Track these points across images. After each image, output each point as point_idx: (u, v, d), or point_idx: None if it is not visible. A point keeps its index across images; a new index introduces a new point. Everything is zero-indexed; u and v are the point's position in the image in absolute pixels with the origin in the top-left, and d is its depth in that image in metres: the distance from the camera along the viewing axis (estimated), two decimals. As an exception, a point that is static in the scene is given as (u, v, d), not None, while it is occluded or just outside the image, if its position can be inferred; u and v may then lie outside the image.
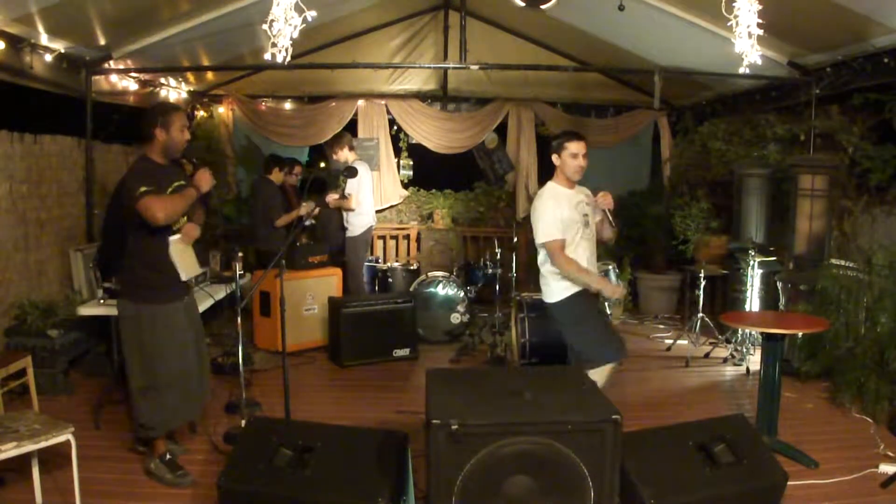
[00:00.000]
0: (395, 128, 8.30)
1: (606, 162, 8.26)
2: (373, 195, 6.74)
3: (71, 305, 4.90)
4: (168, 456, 3.52)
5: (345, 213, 6.46)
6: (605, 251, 7.54)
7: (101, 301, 4.08)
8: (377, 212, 7.48)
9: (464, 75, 7.80)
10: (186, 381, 3.56)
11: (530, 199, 8.23)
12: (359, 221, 6.45)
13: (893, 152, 5.23)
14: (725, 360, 5.78)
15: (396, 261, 7.90)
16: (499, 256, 6.18)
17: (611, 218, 3.87)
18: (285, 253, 3.89)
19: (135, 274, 3.45)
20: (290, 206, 6.38)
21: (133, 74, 6.21)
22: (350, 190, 6.31)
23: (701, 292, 6.03)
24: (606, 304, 6.00)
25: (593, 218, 3.86)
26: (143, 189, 3.25)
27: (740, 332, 5.79)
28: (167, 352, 3.46)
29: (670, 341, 6.32)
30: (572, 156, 3.70)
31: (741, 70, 3.88)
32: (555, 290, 3.75)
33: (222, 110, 8.09)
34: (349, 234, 6.49)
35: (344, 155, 6.46)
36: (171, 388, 3.48)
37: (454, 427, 2.34)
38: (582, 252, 3.73)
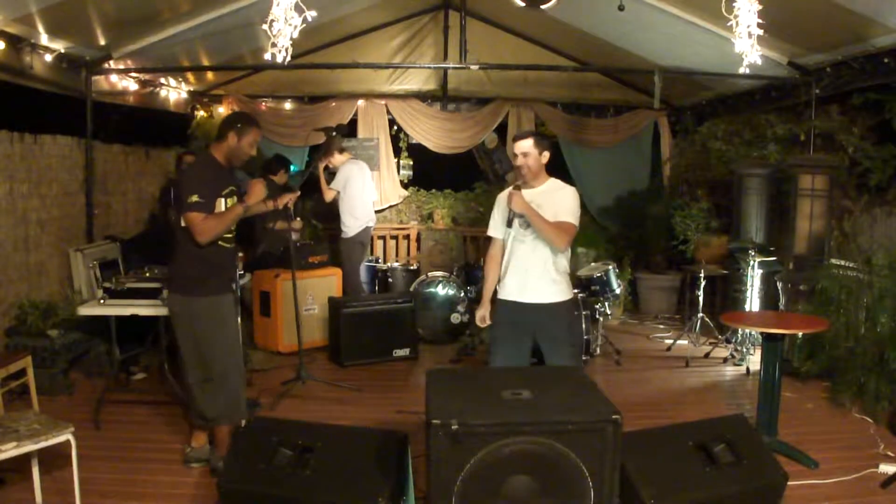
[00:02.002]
0: (395, 128, 8.30)
1: (606, 162, 8.28)
2: (366, 194, 6.70)
3: (71, 305, 4.91)
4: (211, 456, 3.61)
5: (340, 214, 6.46)
6: (604, 251, 7.55)
7: (102, 301, 4.08)
8: (377, 212, 7.48)
9: (464, 75, 7.80)
10: (240, 371, 3.67)
11: (530, 199, 8.23)
12: (353, 223, 6.45)
13: (893, 152, 5.23)
14: (725, 360, 5.78)
15: (396, 261, 7.90)
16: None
17: (527, 220, 3.50)
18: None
19: (185, 267, 3.52)
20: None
21: (133, 74, 6.22)
22: (337, 187, 6.36)
23: (701, 292, 6.03)
24: (606, 304, 6.01)
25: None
26: (194, 199, 3.35)
27: (740, 332, 5.79)
28: (219, 343, 3.54)
29: (670, 341, 6.32)
30: (513, 156, 3.67)
31: (741, 70, 3.87)
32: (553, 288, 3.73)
33: (222, 110, 8.08)
34: (343, 235, 6.50)
35: (338, 159, 6.47)
36: (228, 378, 3.57)
37: (454, 427, 2.33)
38: (514, 255, 3.60)
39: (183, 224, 3.44)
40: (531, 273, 3.55)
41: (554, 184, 3.65)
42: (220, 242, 3.52)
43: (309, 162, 8.18)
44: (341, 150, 6.54)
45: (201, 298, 3.50)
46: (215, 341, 3.54)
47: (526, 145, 3.55)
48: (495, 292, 3.72)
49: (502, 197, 3.69)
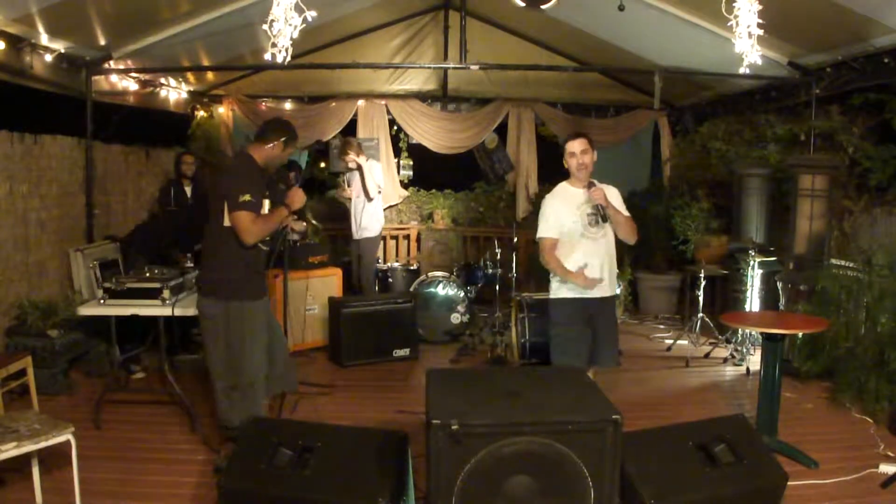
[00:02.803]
0: (395, 128, 8.30)
1: (606, 162, 8.19)
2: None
3: (71, 305, 4.91)
4: None
5: (363, 213, 6.43)
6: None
7: (102, 301, 4.08)
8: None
9: (464, 75, 7.80)
10: (261, 378, 3.63)
11: (530, 200, 8.24)
12: (376, 225, 6.47)
13: (893, 152, 5.24)
14: (725, 360, 5.78)
15: (396, 261, 7.90)
16: (499, 256, 6.17)
17: (603, 213, 3.66)
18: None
19: (225, 270, 3.48)
20: None
21: (133, 74, 6.22)
22: (379, 182, 6.36)
23: (701, 292, 6.02)
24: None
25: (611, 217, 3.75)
26: (246, 198, 3.34)
27: (740, 332, 5.79)
28: (250, 349, 3.51)
29: (670, 341, 6.31)
30: (570, 155, 3.72)
31: (741, 70, 3.88)
32: (551, 287, 3.86)
33: (222, 110, 8.09)
34: (368, 234, 6.47)
35: (360, 158, 6.41)
36: (254, 386, 3.54)
37: (454, 427, 2.33)
38: (581, 252, 3.70)
39: (226, 224, 3.40)
40: (603, 269, 3.72)
41: (598, 183, 3.76)
42: (259, 244, 3.54)
43: (308, 163, 8.20)
44: (360, 152, 6.49)
45: (242, 303, 3.48)
46: (248, 348, 3.50)
47: (584, 143, 3.70)
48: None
49: (557, 197, 3.76)
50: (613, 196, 3.77)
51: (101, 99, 5.89)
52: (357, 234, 6.53)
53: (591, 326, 3.74)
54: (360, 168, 6.38)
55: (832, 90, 5.65)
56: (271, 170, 3.71)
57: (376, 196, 6.41)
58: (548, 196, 3.84)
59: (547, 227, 3.74)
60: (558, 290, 3.77)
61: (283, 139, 3.58)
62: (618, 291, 6.07)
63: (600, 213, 3.66)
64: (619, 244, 3.85)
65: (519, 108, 8.29)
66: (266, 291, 3.70)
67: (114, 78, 6.07)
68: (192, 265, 4.78)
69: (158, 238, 5.69)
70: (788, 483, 3.01)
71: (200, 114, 8.01)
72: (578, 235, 3.70)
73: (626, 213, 3.76)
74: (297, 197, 3.65)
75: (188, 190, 5.91)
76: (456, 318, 6.21)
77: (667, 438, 3.10)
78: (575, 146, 3.70)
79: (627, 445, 2.63)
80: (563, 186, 3.82)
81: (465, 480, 2.36)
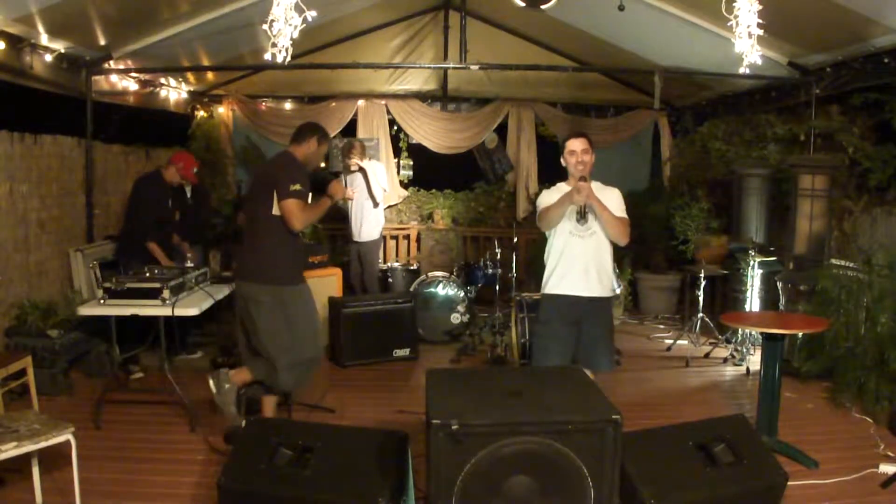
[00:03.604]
0: (395, 128, 8.30)
1: (606, 162, 8.23)
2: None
3: (71, 305, 4.91)
4: (243, 393, 3.89)
5: (363, 216, 6.44)
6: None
7: (102, 301, 4.07)
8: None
9: (464, 75, 7.80)
10: (320, 351, 4.08)
11: (530, 200, 8.24)
12: (377, 227, 6.52)
13: (893, 152, 5.24)
14: (725, 360, 5.78)
15: (396, 261, 7.90)
16: (499, 256, 6.18)
17: (594, 213, 3.60)
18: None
19: (275, 257, 3.75)
20: None
21: (133, 74, 6.22)
22: (385, 186, 6.39)
23: (701, 292, 6.03)
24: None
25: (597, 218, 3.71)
26: (297, 187, 3.63)
27: (740, 332, 5.79)
28: (306, 326, 3.85)
29: (670, 341, 6.32)
30: (570, 153, 3.71)
31: (741, 70, 3.88)
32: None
33: (222, 110, 8.09)
34: (369, 238, 6.50)
35: (358, 162, 6.43)
36: (316, 359, 3.97)
37: (454, 427, 2.33)
38: (571, 251, 3.67)
39: (275, 212, 3.65)
40: (590, 268, 3.66)
41: (597, 184, 3.73)
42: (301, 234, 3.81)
43: None
44: (363, 155, 6.50)
45: (293, 287, 3.81)
46: (307, 326, 3.84)
47: (585, 142, 3.69)
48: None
49: (555, 189, 3.73)
50: (613, 198, 3.70)
51: (101, 99, 5.88)
52: (357, 236, 6.53)
53: (580, 328, 3.68)
54: (363, 171, 6.39)
55: (832, 90, 5.65)
56: (312, 168, 3.95)
57: (381, 201, 6.47)
58: (545, 190, 3.86)
59: (545, 201, 3.72)
60: (545, 287, 3.75)
61: (316, 137, 3.88)
62: (618, 291, 6.03)
63: (582, 209, 3.60)
64: (619, 246, 3.82)
65: (519, 108, 8.29)
66: (304, 280, 3.97)
67: (114, 78, 6.07)
68: (192, 264, 4.80)
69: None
70: (788, 483, 3.01)
71: (200, 114, 8.01)
72: (567, 233, 3.68)
73: (622, 215, 3.65)
74: (339, 188, 4.00)
75: (188, 190, 5.89)
76: (456, 318, 6.21)
77: (667, 438, 3.10)
78: (576, 144, 3.68)
79: (627, 445, 2.63)
80: (560, 185, 3.80)
81: (465, 480, 2.36)
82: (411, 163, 8.54)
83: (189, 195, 5.85)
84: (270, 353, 3.74)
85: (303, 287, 3.89)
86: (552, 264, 3.74)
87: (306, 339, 3.82)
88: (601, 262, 3.68)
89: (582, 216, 3.63)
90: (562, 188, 3.77)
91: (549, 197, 3.73)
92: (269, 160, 4.35)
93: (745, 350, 5.71)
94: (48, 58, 5.01)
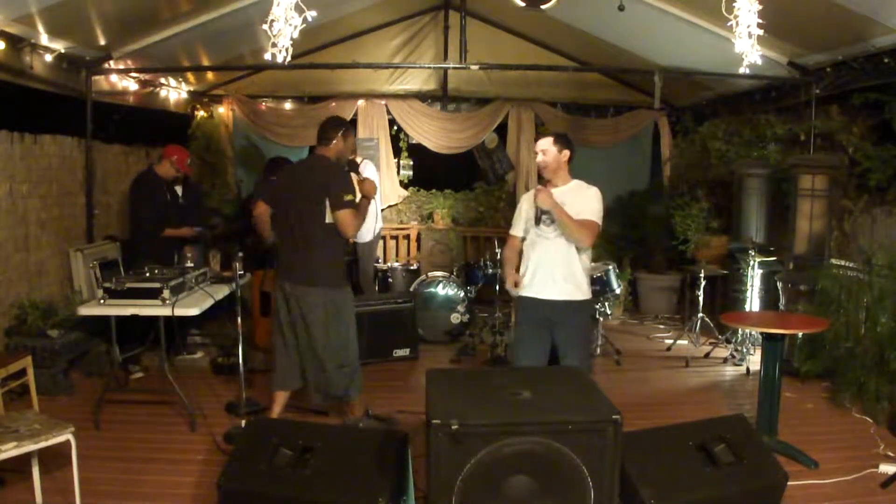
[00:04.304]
0: (395, 128, 8.30)
1: (606, 162, 8.26)
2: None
3: (71, 305, 4.91)
4: (370, 411, 4.12)
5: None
6: (604, 251, 7.54)
7: (102, 301, 4.07)
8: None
9: (464, 75, 7.80)
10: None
11: (530, 200, 8.23)
12: (374, 226, 6.40)
13: (893, 152, 5.23)
14: (725, 360, 5.78)
15: (396, 261, 7.90)
16: (499, 256, 6.17)
17: (552, 217, 3.58)
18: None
19: (330, 262, 3.86)
20: None
21: (133, 74, 6.21)
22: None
23: (701, 292, 6.03)
24: (606, 304, 6.00)
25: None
26: (349, 197, 3.72)
27: (740, 332, 5.79)
28: (353, 328, 3.98)
29: (670, 341, 6.32)
30: (535, 154, 3.79)
31: (741, 70, 3.88)
32: None
33: (222, 110, 8.08)
34: (361, 239, 6.38)
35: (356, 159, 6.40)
36: (357, 361, 4.04)
37: (454, 427, 2.33)
38: (534, 251, 3.70)
39: (328, 220, 3.72)
40: (556, 270, 3.64)
41: (578, 184, 3.74)
42: None
43: None
44: (353, 151, 6.45)
45: (345, 290, 3.95)
46: (352, 327, 3.96)
47: (544, 143, 3.72)
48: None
49: (528, 195, 3.78)
50: (586, 198, 3.65)
51: (101, 99, 5.88)
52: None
53: (551, 331, 3.67)
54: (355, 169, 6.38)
55: (832, 90, 5.65)
56: (343, 162, 3.99)
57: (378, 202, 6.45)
58: (524, 194, 3.92)
59: (514, 226, 3.87)
60: (520, 288, 3.75)
61: (340, 133, 3.90)
62: (617, 292, 6.04)
63: (541, 213, 3.61)
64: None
65: (519, 108, 8.28)
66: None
67: (114, 78, 6.06)
68: (192, 265, 4.79)
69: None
70: (788, 483, 3.01)
71: (200, 114, 8.00)
72: (535, 235, 3.70)
73: (589, 217, 3.58)
74: (372, 186, 4.01)
75: (178, 189, 5.81)
76: (456, 318, 6.21)
77: (667, 438, 3.10)
78: (537, 145, 3.76)
79: (627, 445, 2.63)
80: (539, 186, 3.77)
81: (465, 480, 2.36)
82: (411, 163, 8.53)
83: (181, 194, 5.74)
84: (323, 356, 3.83)
85: (350, 290, 4.02)
86: (524, 266, 3.77)
87: (352, 341, 3.95)
88: (569, 264, 3.63)
89: (539, 220, 3.64)
90: (530, 191, 3.81)
91: (521, 207, 3.84)
92: (306, 165, 4.18)
93: (745, 350, 5.71)
94: (48, 58, 5.01)
